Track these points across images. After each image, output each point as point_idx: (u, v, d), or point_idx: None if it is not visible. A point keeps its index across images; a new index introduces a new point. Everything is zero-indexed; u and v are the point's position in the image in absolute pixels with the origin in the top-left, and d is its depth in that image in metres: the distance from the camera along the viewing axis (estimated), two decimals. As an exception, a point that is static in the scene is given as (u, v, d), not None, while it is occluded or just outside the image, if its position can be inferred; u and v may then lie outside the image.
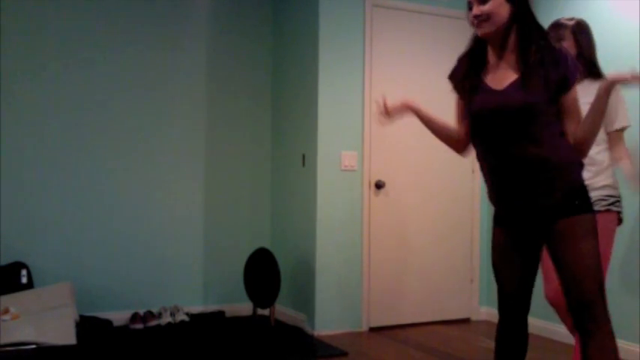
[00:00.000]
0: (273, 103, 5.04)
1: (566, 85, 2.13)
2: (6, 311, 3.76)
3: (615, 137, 2.93)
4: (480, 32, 2.28)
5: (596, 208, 2.83)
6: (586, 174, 2.43)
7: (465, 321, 4.83)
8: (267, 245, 4.88)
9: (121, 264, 4.54)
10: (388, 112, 2.54)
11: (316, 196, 4.36)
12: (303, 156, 4.56)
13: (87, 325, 4.12)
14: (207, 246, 4.84)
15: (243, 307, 4.82)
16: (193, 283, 4.79)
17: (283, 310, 4.70)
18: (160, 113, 4.69)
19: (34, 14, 4.33)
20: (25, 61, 4.31)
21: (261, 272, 4.54)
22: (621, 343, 3.84)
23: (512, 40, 2.22)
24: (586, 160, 2.41)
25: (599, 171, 2.92)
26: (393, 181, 4.60)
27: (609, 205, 2.94)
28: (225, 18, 4.91)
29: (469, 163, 4.87)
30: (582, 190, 2.19)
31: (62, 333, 3.71)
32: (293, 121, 4.74)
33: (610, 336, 2.16)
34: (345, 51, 4.44)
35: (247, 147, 4.98)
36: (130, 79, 4.59)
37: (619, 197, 3.00)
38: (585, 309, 2.14)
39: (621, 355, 3.81)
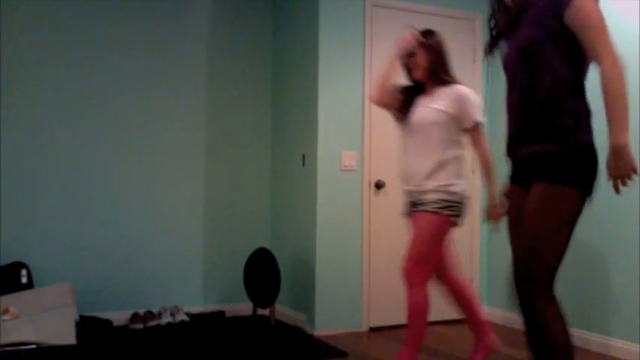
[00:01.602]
0: (273, 103, 5.04)
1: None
2: (6, 311, 3.76)
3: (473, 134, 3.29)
4: None
5: (427, 208, 3.14)
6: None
7: (465, 321, 4.82)
8: (267, 245, 4.88)
9: (121, 264, 4.54)
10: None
11: (316, 196, 4.36)
12: (303, 156, 4.56)
13: (87, 325, 4.13)
14: (207, 246, 4.84)
15: (243, 307, 4.82)
16: (193, 283, 4.80)
17: (283, 310, 4.70)
18: (160, 113, 4.69)
19: (34, 14, 4.33)
20: (25, 61, 4.31)
21: (261, 272, 4.54)
22: (621, 343, 3.85)
23: None
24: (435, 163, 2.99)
25: (437, 172, 3.19)
26: (393, 181, 4.60)
27: (439, 208, 3.16)
28: (225, 18, 4.91)
29: (469, 163, 4.87)
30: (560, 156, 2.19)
31: (62, 333, 3.71)
32: (293, 121, 4.74)
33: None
34: (345, 51, 4.44)
35: (247, 147, 4.98)
36: (130, 79, 4.59)
37: (456, 202, 3.19)
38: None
39: (621, 355, 3.82)
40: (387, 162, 4.58)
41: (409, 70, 3.35)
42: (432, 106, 3.23)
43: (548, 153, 2.17)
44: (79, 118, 4.45)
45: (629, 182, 2.06)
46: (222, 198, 4.90)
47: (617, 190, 2.08)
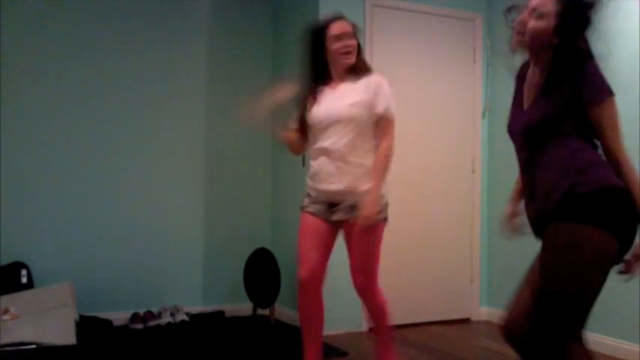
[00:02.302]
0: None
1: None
2: (6, 311, 3.76)
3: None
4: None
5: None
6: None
7: (465, 321, 4.83)
8: (267, 245, 4.87)
9: (121, 264, 4.54)
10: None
11: (316, 196, 4.35)
12: (303, 156, 4.56)
13: (87, 325, 4.12)
14: (207, 246, 4.84)
15: (243, 307, 4.82)
16: (193, 283, 4.79)
17: (283, 310, 4.70)
18: (160, 113, 4.69)
19: (34, 13, 4.32)
20: (25, 61, 4.30)
21: (261, 272, 4.54)
22: (621, 343, 3.85)
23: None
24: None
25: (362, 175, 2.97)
26: (392, 181, 4.59)
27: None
28: (225, 18, 4.90)
29: (469, 163, 4.87)
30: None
31: (62, 333, 3.71)
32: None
33: None
34: (345, 51, 4.43)
35: (247, 147, 4.98)
36: (130, 78, 4.59)
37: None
38: None
39: (621, 355, 3.82)
40: (387, 162, 4.57)
41: (345, 54, 2.98)
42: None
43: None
44: (79, 118, 4.45)
45: None
46: (223, 198, 4.90)
47: None
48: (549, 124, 2.09)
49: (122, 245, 4.55)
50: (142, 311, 4.49)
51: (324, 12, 4.38)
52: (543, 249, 2.11)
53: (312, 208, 3.04)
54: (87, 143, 4.47)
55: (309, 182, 3.09)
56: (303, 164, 4.55)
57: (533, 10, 2.08)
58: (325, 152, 2.98)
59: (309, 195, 3.08)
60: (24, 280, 4.15)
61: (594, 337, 3.95)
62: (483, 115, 4.90)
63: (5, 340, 3.47)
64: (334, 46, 2.98)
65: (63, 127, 4.40)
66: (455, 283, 4.84)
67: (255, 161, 5.01)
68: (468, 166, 4.85)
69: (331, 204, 3.01)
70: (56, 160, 4.38)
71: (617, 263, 2.09)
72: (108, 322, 4.32)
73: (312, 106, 3.04)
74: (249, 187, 4.99)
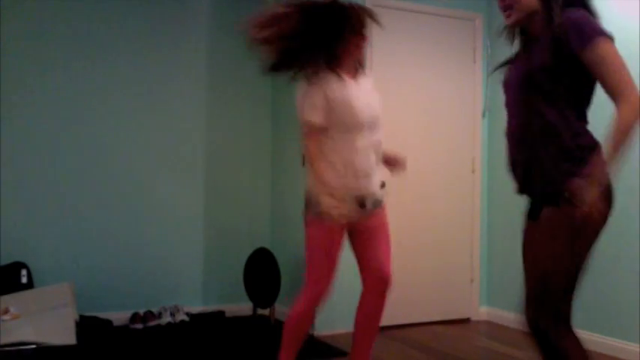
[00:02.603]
0: (273, 103, 5.03)
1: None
2: (6, 311, 3.76)
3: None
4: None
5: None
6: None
7: (465, 321, 4.83)
8: (267, 245, 4.87)
9: (121, 264, 4.54)
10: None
11: (316, 196, 4.35)
12: (303, 156, 4.56)
13: (87, 325, 4.12)
14: (207, 246, 4.84)
15: (243, 307, 4.82)
16: (193, 283, 4.79)
17: (283, 310, 4.70)
18: (160, 113, 4.69)
19: (34, 14, 4.32)
20: (25, 61, 4.30)
21: (261, 272, 4.54)
22: (621, 343, 3.85)
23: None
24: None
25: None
26: (392, 181, 4.59)
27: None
28: (225, 18, 4.90)
29: (469, 163, 4.87)
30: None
31: (62, 333, 3.71)
32: (293, 121, 4.73)
33: None
34: (345, 51, 4.43)
35: (247, 147, 4.98)
36: (130, 79, 4.59)
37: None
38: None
39: (621, 355, 3.82)
40: (387, 162, 4.57)
41: (357, 47, 2.89)
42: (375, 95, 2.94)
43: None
44: (79, 118, 4.45)
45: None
46: (223, 198, 4.90)
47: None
48: (542, 74, 2.05)
49: (122, 245, 4.55)
50: (142, 311, 4.49)
51: (324, 12, 4.39)
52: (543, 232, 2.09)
53: (343, 214, 2.79)
54: (87, 143, 4.47)
55: (343, 181, 2.80)
56: (303, 164, 4.55)
57: None
58: (372, 147, 2.86)
59: (332, 195, 2.77)
60: (24, 280, 4.15)
61: (594, 337, 3.96)
62: (483, 115, 4.90)
63: (5, 340, 3.47)
64: (356, 41, 2.86)
65: (63, 127, 4.40)
66: (455, 283, 4.84)
67: (255, 161, 5.01)
68: (468, 166, 4.85)
69: (361, 201, 2.86)
70: (56, 160, 4.38)
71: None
72: (108, 322, 4.32)
73: (342, 96, 2.78)
74: (249, 187, 4.99)
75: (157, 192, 4.67)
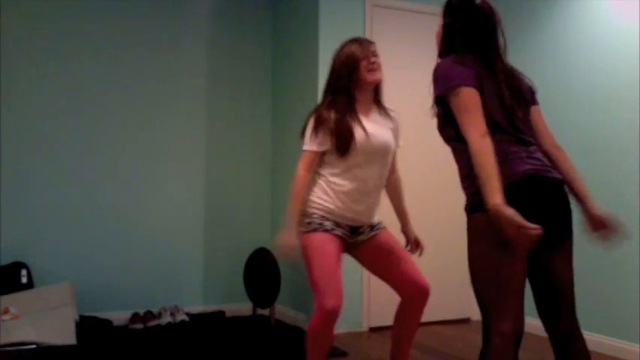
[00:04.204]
0: (274, 102, 5.04)
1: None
2: (6, 311, 3.76)
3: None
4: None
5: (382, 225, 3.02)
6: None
7: (465, 321, 4.83)
8: (267, 245, 4.88)
9: (121, 264, 4.55)
10: None
11: (316, 196, 4.35)
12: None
13: (87, 325, 4.12)
14: (207, 246, 4.84)
15: (243, 307, 4.82)
16: (193, 283, 4.80)
17: (283, 310, 4.70)
18: (161, 113, 4.69)
19: (33, 14, 4.33)
20: (25, 61, 4.31)
21: (261, 272, 4.54)
22: (621, 343, 3.85)
23: None
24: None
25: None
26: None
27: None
28: (225, 18, 4.91)
29: (469, 163, 4.87)
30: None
31: (62, 333, 3.71)
32: (293, 120, 4.74)
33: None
34: (345, 51, 4.43)
35: (247, 147, 4.99)
36: (130, 79, 4.59)
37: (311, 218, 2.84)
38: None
39: (621, 355, 3.82)
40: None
41: (369, 71, 2.91)
42: (388, 127, 2.96)
43: None
44: (79, 118, 4.45)
45: (533, 235, 1.95)
46: (223, 198, 4.90)
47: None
48: (440, 128, 2.34)
49: (122, 245, 4.55)
50: (142, 311, 4.49)
51: (324, 12, 4.39)
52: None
53: (338, 232, 2.84)
54: (87, 143, 4.47)
55: (335, 207, 2.83)
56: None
57: None
58: (371, 179, 2.88)
59: (325, 218, 2.81)
60: (24, 280, 4.15)
61: (594, 337, 3.96)
62: (483, 115, 4.89)
63: (5, 340, 3.47)
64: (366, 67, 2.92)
65: (63, 127, 4.40)
66: (455, 283, 4.83)
67: (255, 161, 5.02)
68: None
69: (354, 228, 2.90)
70: (56, 160, 4.38)
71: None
72: (108, 322, 4.32)
73: (356, 129, 2.83)
74: (249, 188, 4.99)
75: (156, 191, 4.67)
